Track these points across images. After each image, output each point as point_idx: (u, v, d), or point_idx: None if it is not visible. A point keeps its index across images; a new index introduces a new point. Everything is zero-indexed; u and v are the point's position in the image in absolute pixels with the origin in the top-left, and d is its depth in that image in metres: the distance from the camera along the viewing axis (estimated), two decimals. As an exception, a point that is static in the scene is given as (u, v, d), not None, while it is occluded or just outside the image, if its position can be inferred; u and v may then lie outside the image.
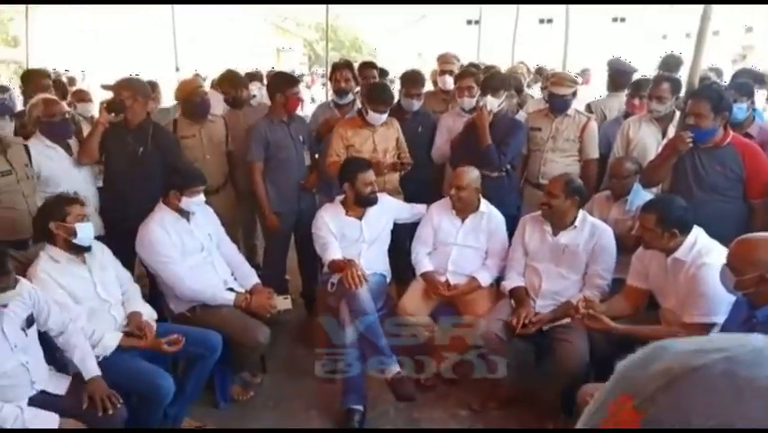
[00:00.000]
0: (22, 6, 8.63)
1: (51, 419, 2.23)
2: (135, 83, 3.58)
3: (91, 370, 2.42)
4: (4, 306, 2.22)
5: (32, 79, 4.55)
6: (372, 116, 3.70)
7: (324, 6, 7.88)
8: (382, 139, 3.81)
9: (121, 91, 3.47)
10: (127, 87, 3.49)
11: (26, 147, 3.24)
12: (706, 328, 2.48)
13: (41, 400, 2.33)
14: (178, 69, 8.42)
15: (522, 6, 8.54)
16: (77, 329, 2.48)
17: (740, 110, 3.34)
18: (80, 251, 2.66)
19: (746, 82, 3.55)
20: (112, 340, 2.63)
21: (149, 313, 2.90)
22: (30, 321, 2.35)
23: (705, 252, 2.55)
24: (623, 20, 31.44)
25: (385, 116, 3.74)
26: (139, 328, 2.75)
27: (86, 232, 2.63)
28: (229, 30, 19.74)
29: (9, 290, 2.20)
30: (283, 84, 3.79)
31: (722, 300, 2.42)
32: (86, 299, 2.66)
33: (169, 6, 8.78)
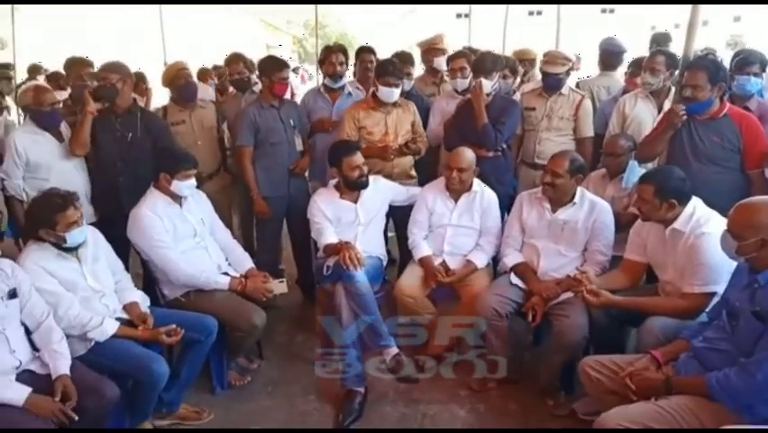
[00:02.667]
0: (8, 7, 8.51)
1: (21, 391, 2.18)
2: (121, 66, 3.51)
3: (60, 368, 2.31)
4: None
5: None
6: (383, 92, 3.67)
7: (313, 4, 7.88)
8: (395, 122, 3.77)
9: (109, 75, 3.40)
10: (115, 70, 3.43)
11: None
12: (706, 298, 2.46)
13: (26, 379, 2.28)
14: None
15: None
16: (55, 327, 2.42)
17: (748, 83, 3.35)
18: (68, 250, 2.60)
19: (758, 54, 3.50)
20: (110, 327, 2.58)
21: (142, 300, 2.86)
22: (12, 294, 2.32)
23: (703, 221, 2.52)
24: (612, 11, 31.55)
25: (396, 92, 3.70)
26: (141, 320, 2.71)
27: (76, 237, 2.56)
28: (218, 27, 19.60)
29: None
30: (270, 68, 3.73)
31: (722, 269, 2.40)
32: (78, 289, 2.61)
33: (156, 5, 8.70)
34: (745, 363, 1.98)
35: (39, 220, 2.52)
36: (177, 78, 3.84)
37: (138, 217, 2.95)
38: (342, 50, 4.15)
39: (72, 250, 2.60)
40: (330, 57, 4.09)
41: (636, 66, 4.04)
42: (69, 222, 2.51)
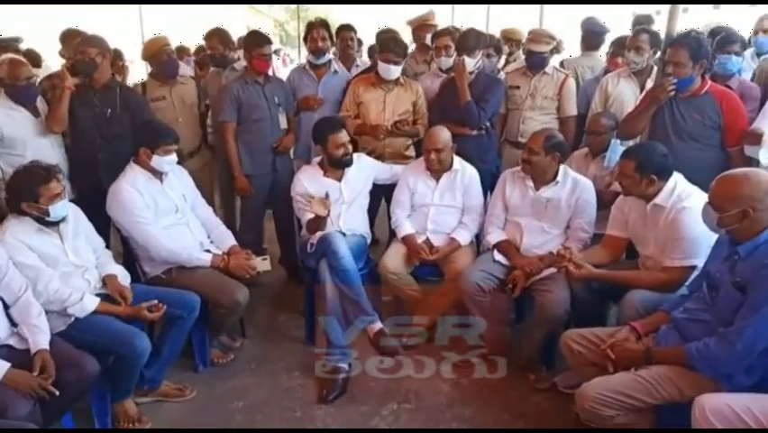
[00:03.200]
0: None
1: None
2: (99, 39, 3.41)
3: (39, 342, 2.27)
4: None
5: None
6: (382, 68, 3.66)
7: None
8: (394, 101, 3.75)
9: (88, 49, 3.31)
10: (94, 44, 3.34)
11: None
12: (686, 271, 2.49)
13: (4, 354, 2.24)
14: (145, 45, 8.19)
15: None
16: (33, 301, 2.38)
17: (729, 61, 3.38)
18: (51, 224, 2.55)
19: (737, 33, 3.55)
20: (90, 303, 2.54)
21: (122, 275, 2.81)
22: None
23: (684, 196, 2.55)
24: (595, -3, 31.65)
25: (396, 70, 3.69)
26: (119, 293, 2.66)
27: (59, 211, 2.52)
28: (199, 9, 19.22)
29: None
30: (250, 43, 3.69)
31: (702, 243, 2.43)
32: (58, 264, 2.56)
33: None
34: (725, 333, 2.01)
35: (22, 193, 2.46)
36: (159, 53, 3.76)
37: (117, 192, 2.90)
38: (324, 25, 4.09)
39: (54, 225, 2.55)
40: (312, 32, 4.03)
41: (617, 46, 4.06)
42: (53, 194, 2.47)
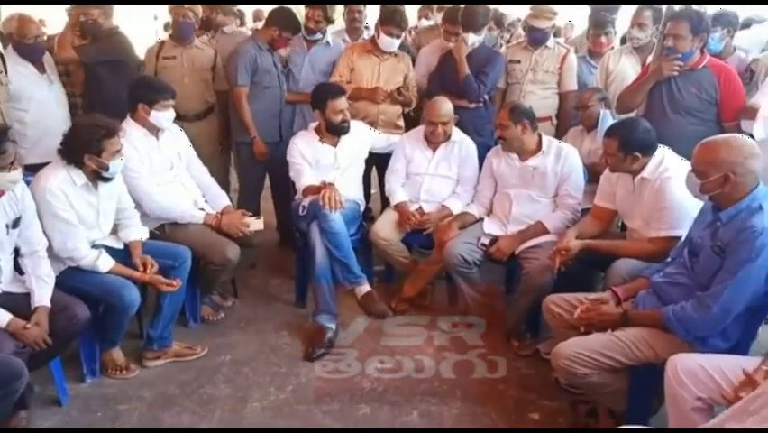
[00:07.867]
0: None
1: (3, 316, 2.20)
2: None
3: (41, 298, 2.33)
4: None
5: None
6: (384, 41, 3.68)
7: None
8: (388, 70, 3.78)
9: (92, 11, 3.38)
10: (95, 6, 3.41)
11: (1, 56, 3.21)
12: (671, 241, 2.47)
13: (3, 300, 2.28)
14: (156, 18, 8.20)
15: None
16: (45, 257, 2.43)
17: (713, 40, 3.30)
18: (103, 180, 2.59)
19: (725, 13, 3.51)
20: (105, 265, 2.59)
21: (144, 236, 2.86)
22: (15, 223, 2.32)
23: (670, 167, 2.54)
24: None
25: (397, 42, 3.70)
26: (142, 263, 2.69)
27: (117, 166, 2.57)
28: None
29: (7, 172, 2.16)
30: (283, 24, 3.67)
31: (686, 214, 2.42)
32: (88, 226, 2.61)
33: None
34: (702, 296, 2.02)
35: (89, 144, 2.48)
36: (176, 14, 3.79)
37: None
38: (321, 5, 3.94)
39: (103, 181, 2.58)
40: (308, 12, 3.97)
41: (598, 26, 3.96)
42: (114, 150, 2.53)
